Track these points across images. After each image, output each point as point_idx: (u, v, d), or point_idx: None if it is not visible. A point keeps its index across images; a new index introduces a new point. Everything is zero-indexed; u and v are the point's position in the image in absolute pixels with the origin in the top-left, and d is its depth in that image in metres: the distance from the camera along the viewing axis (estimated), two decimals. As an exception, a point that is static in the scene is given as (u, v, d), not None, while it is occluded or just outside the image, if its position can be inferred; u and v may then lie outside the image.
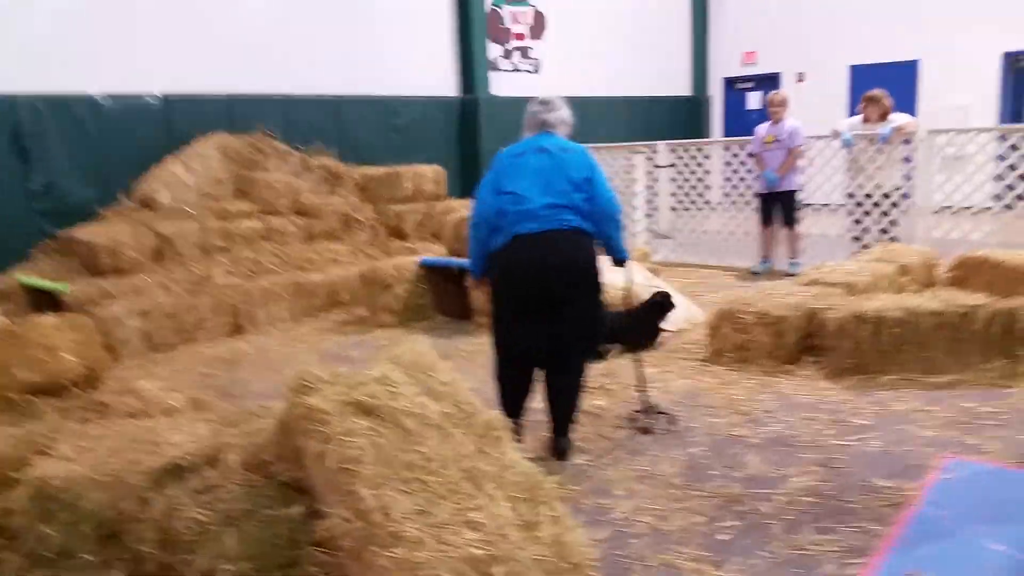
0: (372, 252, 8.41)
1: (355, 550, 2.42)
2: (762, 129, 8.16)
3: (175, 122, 8.15)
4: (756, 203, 8.44)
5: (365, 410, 2.65)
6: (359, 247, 8.43)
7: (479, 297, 6.45)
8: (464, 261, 6.52)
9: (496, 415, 2.90)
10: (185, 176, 7.69)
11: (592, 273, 3.67)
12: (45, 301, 6.34)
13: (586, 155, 3.77)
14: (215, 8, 8.49)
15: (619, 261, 3.93)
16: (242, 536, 2.49)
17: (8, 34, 7.04)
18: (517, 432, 3.60)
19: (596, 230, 3.71)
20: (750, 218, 8.79)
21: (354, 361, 5.64)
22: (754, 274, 8.12)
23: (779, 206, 8.11)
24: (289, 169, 8.63)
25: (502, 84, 11.63)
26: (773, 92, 8.24)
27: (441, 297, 6.96)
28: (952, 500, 3.16)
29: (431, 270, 6.90)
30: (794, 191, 8.07)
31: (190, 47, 8.26)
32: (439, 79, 10.96)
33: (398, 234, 8.83)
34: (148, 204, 7.46)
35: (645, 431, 4.04)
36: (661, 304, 5.31)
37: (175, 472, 2.86)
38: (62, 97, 7.39)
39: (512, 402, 3.85)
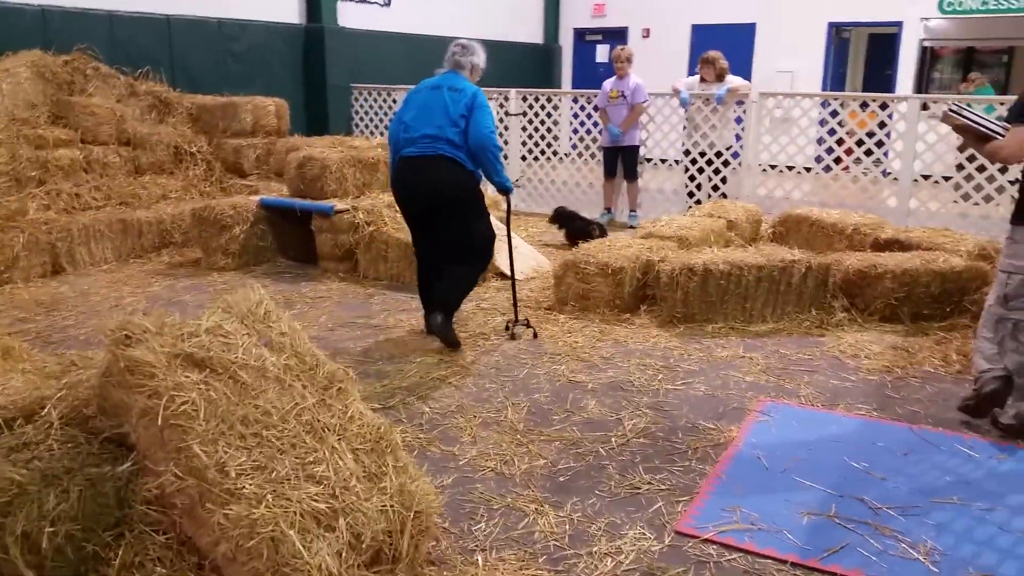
0: (207, 189, 7.94)
1: (188, 508, 2.33)
2: (608, 84, 8.35)
3: (-24, 34, 7.26)
4: (600, 156, 8.67)
5: (196, 363, 2.53)
6: (192, 183, 7.93)
7: (325, 241, 6.28)
8: (307, 203, 6.31)
9: (339, 366, 2.85)
10: (-9, 97, 6.87)
11: (458, 194, 4.36)
12: None
13: (471, 95, 4.35)
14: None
15: (502, 190, 4.61)
16: (64, 496, 2.33)
17: None
18: (429, 326, 4.58)
19: (472, 160, 4.34)
20: (595, 170, 9.03)
21: (187, 306, 5.36)
22: (599, 225, 8.38)
23: (621, 160, 8.38)
24: (113, 94, 7.91)
25: (350, 15, 11.16)
26: (619, 47, 8.42)
27: (284, 240, 6.71)
28: (768, 440, 3.46)
29: (273, 211, 6.62)
30: (636, 146, 8.36)
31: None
32: (281, 4, 10.35)
33: (236, 170, 8.37)
34: (-56, 126, 6.63)
35: (513, 337, 4.74)
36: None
37: (-16, 429, 2.63)
38: None
39: (425, 297, 4.71)
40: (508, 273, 6.05)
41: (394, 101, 10.63)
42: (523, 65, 14.15)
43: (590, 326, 4.96)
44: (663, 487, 3.05)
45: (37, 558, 2.24)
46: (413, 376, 4.17)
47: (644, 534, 2.73)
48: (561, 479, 3.11)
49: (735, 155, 8.26)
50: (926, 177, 7.80)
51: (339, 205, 6.21)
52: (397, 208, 5.77)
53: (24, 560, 2.22)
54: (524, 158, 9.44)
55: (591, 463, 3.24)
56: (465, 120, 4.28)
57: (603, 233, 7.03)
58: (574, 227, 7.26)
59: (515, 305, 4.91)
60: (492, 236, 4.69)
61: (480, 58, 4.65)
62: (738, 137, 8.27)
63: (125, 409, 2.48)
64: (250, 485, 2.28)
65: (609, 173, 8.52)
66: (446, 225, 4.41)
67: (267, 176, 8.33)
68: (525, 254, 6.45)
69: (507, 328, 4.85)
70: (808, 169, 8.25)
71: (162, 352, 2.46)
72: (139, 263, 6.64)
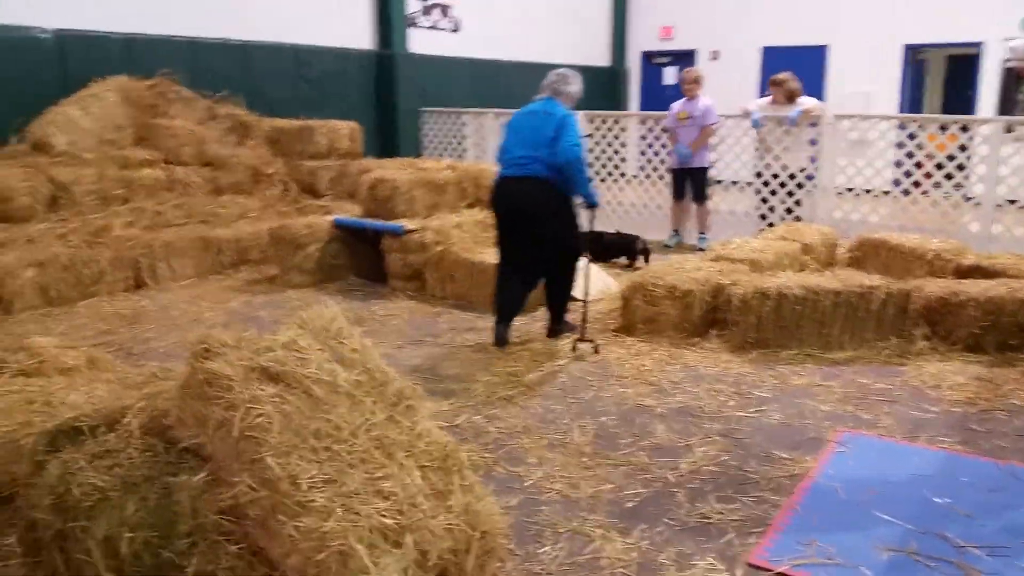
0: (283, 209, 8.16)
1: (261, 519, 2.37)
2: (676, 105, 8.30)
3: (70, 61, 7.65)
4: (669, 177, 8.60)
5: (271, 376, 2.58)
6: (269, 203, 8.16)
7: (395, 260, 6.37)
8: (378, 223, 6.43)
9: (408, 383, 2.87)
10: (82, 120, 7.22)
11: (549, 210, 4.75)
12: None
13: (561, 119, 4.70)
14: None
15: (589, 204, 4.94)
16: (143, 504, 2.39)
17: None
18: (497, 336, 4.94)
19: (560, 177, 4.67)
20: (663, 192, 8.95)
21: (263, 322, 5.49)
22: (665, 247, 8.30)
23: (690, 181, 8.29)
24: (195, 117, 8.23)
25: (419, 41, 11.38)
26: (687, 69, 8.37)
27: (356, 259, 6.84)
28: (846, 473, 3.34)
29: (346, 230, 6.76)
30: (705, 168, 8.26)
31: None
32: (354, 31, 10.62)
33: (311, 191, 8.58)
34: (42, 148, 6.98)
35: (575, 349, 4.85)
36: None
37: (71, 434, 2.73)
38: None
39: (499, 305, 4.99)
40: (573, 294, 6.04)
41: (462, 124, 10.77)
42: (590, 88, 14.03)
43: (658, 349, 4.89)
44: (735, 517, 2.96)
45: (116, 562, 2.30)
46: (479, 395, 4.17)
47: (715, 565, 2.66)
48: (629, 505, 3.06)
49: (809, 177, 8.08)
50: (1011, 202, 7.49)
51: (409, 225, 6.30)
52: (464, 228, 6.09)
53: (104, 564, 2.28)
54: (590, 180, 9.39)
55: (659, 490, 3.17)
56: (554, 141, 4.63)
57: (645, 247, 7.16)
58: (603, 244, 7.27)
59: (584, 322, 4.97)
60: (581, 248, 5.05)
61: (576, 86, 5.03)
62: (812, 159, 8.10)
63: (202, 420, 2.54)
64: (321, 498, 2.30)
65: (677, 195, 8.43)
66: (540, 238, 4.81)
67: (340, 197, 8.51)
68: (592, 276, 6.40)
69: (573, 349, 4.88)
70: (886, 192, 8.02)
71: (239, 366, 2.51)
72: (218, 279, 6.85)
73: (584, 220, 5.05)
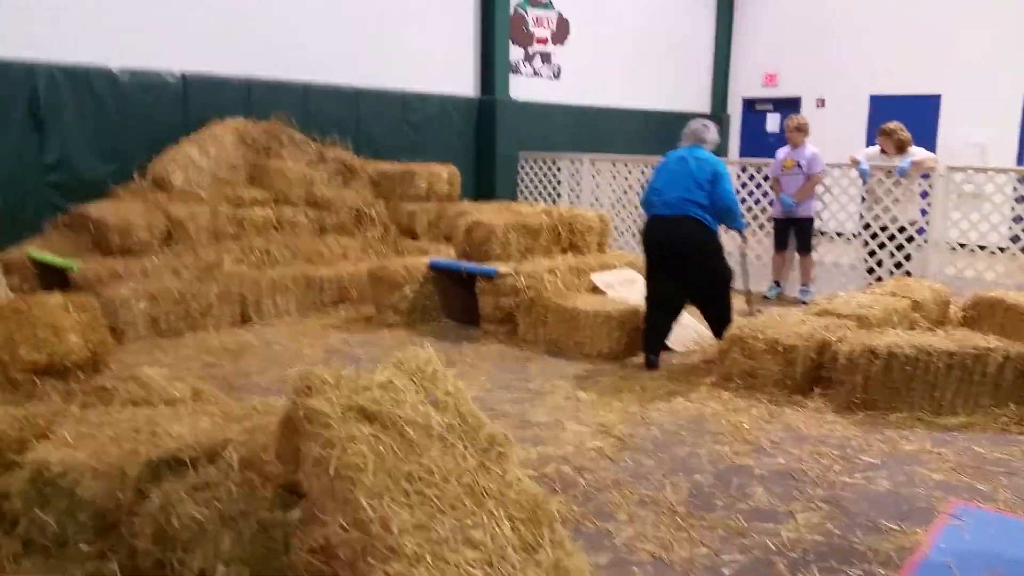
0: (382, 250, 8.37)
1: (351, 561, 2.37)
2: (782, 153, 8.12)
3: (192, 102, 8.12)
4: (770, 227, 8.39)
5: (368, 416, 2.60)
6: (370, 243, 8.39)
7: (487, 303, 6.42)
8: (473, 265, 6.50)
9: (500, 430, 2.84)
10: (200, 159, 7.65)
11: (699, 246, 5.29)
12: (54, 276, 6.32)
13: (713, 164, 5.33)
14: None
15: (738, 230, 5.73)
16: (238, 538, 2.44)
17: (27, 1, 6.99)
18: (649, 364, 5.43)
19: (716, 217, 5.30)
20: (763, 241, 8.73)
21: (359, 360, 5.59)
22: (765, 298, 8.06)
23: (794, 232, 8.06)
24: (304, 159, 8.60)
25: (521, 88, 11.60)
26: (793, 116, 8.19)
27: (449, 300, 6.92)
28: (960, 548, 3.10)
29: (440, 272, 6.86)
30: (811, 218, 8.02)
31: (210, 27, 8.22)
32: (458, 78, 10.92)
33: (409, 233, 8.78)
34: (161, 185, 7.42)
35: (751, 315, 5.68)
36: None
37: (174, 466, 2.82)
38: (80, 68, 7.35)
39: (650, 338, 5.49)
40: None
41: (558, 169, 10.85)
42: (689, 135, 14.07)
43: (757, 406, 4.71)
44: (839, 590, 2.79)
45: (211, 595, 2.34)
46: (568, 445, 4.11)
47: (817, 641, 2.49)
48: (725, 571, 2.92)
49: (920, 231, 7.73)
50: None
51: (502, 268, 6.34)
52: (557, 273, 6.10)
53: (199, 596, 2.33)
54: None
55: (758, 557, 3.02)
56: (711, 185, 5.22)
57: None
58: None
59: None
60: (731, 274, 5.55)
61: (714, 134, 5.62)
62: (924, 212, 7.75)
63: (300, 457, 2.58)
64: (411, 543, 2.29)
65: (780, 245, 8.20)
66: (697, 270, 5.36)
67: (437, 239, 8.68)
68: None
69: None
70: (1003, 249, 7.57)
71: (338, 404, 2.54)
72: (318, 316, 7.05)
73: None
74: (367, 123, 9.71)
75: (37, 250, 6.53)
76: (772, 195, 8.26)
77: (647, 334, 5.53)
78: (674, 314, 5.53)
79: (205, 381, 4.31)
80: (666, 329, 5.53)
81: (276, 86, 8.78)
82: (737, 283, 5.79)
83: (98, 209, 6.85)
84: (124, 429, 3.06)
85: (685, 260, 5.30)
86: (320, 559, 2.45)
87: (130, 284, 6.20)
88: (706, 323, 5.77)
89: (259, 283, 6.84)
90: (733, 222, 5.45)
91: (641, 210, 5.81)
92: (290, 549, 2.49)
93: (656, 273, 5.44)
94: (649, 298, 5.52)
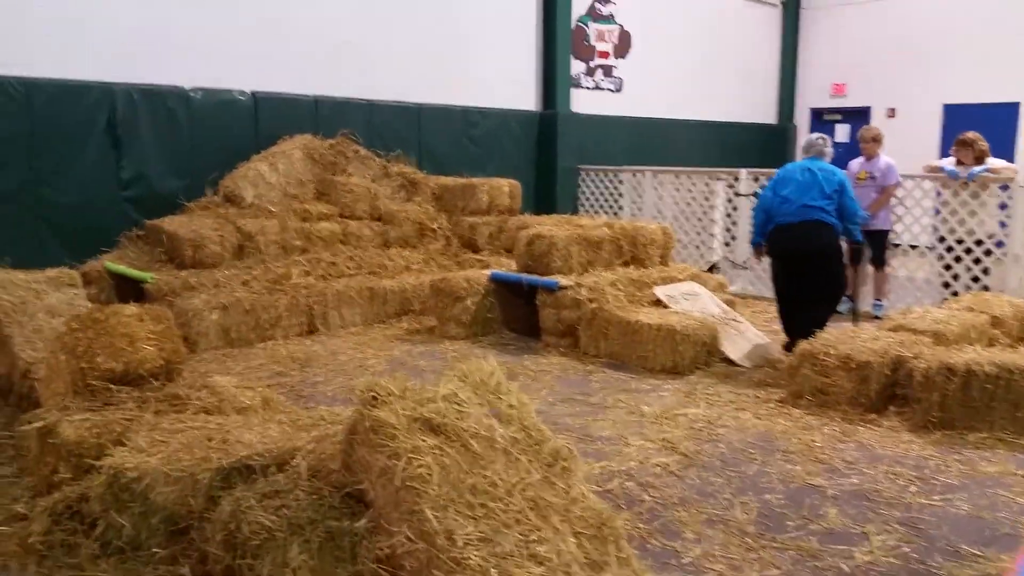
0: (444, 262, 8.44)
1: (416, 572, 2.37)
2: (855, 164, 7.89)
3: (263, 120, 8.34)
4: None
5: (433, 428, 2.61)
6: (432, 256, 8.47)
7: (548, 316, 6.40)
8: (534, 278, 6.50)
9: (564, 444, 2.82)
10: (270, 175, 7.85)
11: (826, 251, 5.68)
12: (129, 288, 6.55)
13: (840, 175, 5.78)
14: (304, 10, 8.66)
15: (855, 243, 6.15)
16: (306, 546, 2.46)
17: (107, 25, 7.29)
18: (789, 347, 5.76)
19: (840, 225, 5.72)
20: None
21: (422, 371, 5.63)
22: (837, 313, 7.83)
23: (868, 245, 7.79)
24: (369, 174, 8.75)
25: (582, 101, 11.59)
26: (867, 127, 7.96)
27: (510, 313, 6.92)
28: (1049, 578, 2.94)
29: (501, 285, 6.87)
30: (886, 231, 7.75)
31: (279, 48, 8.45)
32: (520, 93, 10.97)
33: (471, 246, 8.84)
34: (233, 200, 7.64)
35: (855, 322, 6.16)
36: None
37: (244, 473, 2.88)
38: (156, 88, 7.62)
39: (787, 325, 6.03)
40: (733, 359, 5.82)
41: (620, 182, 10.78)
42: (754, 145, 13.86)
43: (829, 424, 4.57)
44: (919, 617, 2.67)
45: (279, 603, 2.37)
46: (632, 460, 4.05)
47: (897, 671, 2.39)
48: (796, 592, 2.83)
49: (999, 244, 7.42)
50: None
51: (563, 281, 6.32)
52: (619, 286, 6.06)
53: (268, 603, 2.36)
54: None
55: (831, 579, 2.92)
56: (838, 194, 5.67)
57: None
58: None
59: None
60: (845, 287, 5.98)
61: (831, 148, 6.06)
62: (1002, 224, 7.44)
63: (366, 467, 2.60)
64: (475, 556, 2.28)
65: (853, 259, 7.93)
66: (817, 272, 5.68)
67: (498, 252, 8.71)
68: (754, 340, 6.15)
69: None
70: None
71: (403, 415, 2.56)
72: (381, 328, 7.14)
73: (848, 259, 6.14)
74: (430, 138, 9.83)
75: (114, 263, 6.79)
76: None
77: (786, 324, 6.07)
78: (800, 310, 5.89)
79: (274, 390, 4.39)
80: (806, 326, 5.66)
81: (342, 103, 8.96)
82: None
83: (172, 223, 7.10)
84: (196, 436, 3.14)
85: (811, 263, 5.67)
86: (386, 569, 2.46)
87: (202, 295, 6.39)
88: (797, 326, 5.84)
89: (325, 295, 6.97)
90: (854, 230, 5.85)
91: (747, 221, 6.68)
92: (356, 558, 2.51)
93: (783, 276, 5.92)
94: (780, 303, 6.07)
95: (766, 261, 8.98)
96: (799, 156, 6.35)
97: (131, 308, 3.85)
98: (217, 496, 2.78)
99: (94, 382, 3.50)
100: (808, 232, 5.66)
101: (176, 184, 7.76)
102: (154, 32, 7.59)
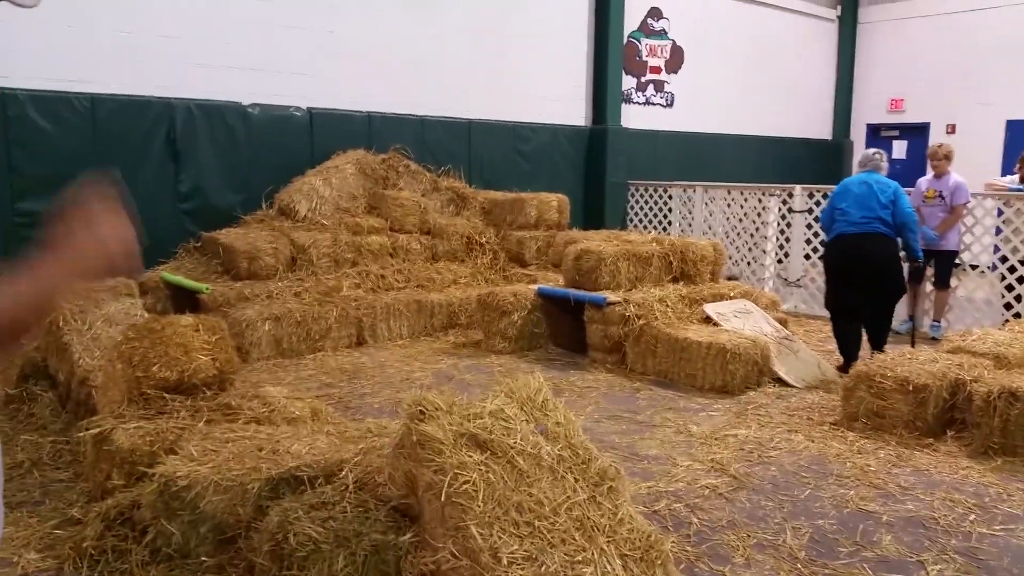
0: (491, 276, 8.46)
1: (461, 589, 2.36)
2: (923, 183, 7.67)
3: (317, 135, 8.50)
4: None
5: (479, 444, 2.60)
6: (479, 270, 8.50)
7: (595, 332, 6.36)
8: (581, 293, 6.46)
9: (612, 463, 2.79)
10: (323, 189, 7.99)
11: (886, 260, 5.82)
12: (185, 298, 6.70)
13: (893, 185, 5.90)
14: (359, 28, 8.81)
15: (914, 260, 6.09)
16: (352, 559, 2.47)
17: (167, 42, 7.52)
18: (844, 368, 5.82)
19: (897, 235, 5.84)
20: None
21: (468, 385, 5.64)
22: (896, 334, 7.64)
23: (933, 264, 7.57)
24: (419, 188, 8.84)
25: (633, 116, 11.54)
26: (938, 144, 7.72)
27: (557, 328, 6.90)
28: (1121, 617, 2.80)
29: (548, 299, 6.86)
30: (953, 251, 7.50)
31: (334, 64, 8.61)
32: (570, 108, 10.98)
33: (518, 260, 8.85)
34: (287, 213, 7.79)
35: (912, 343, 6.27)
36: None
37: (293, 484, 2.91)
38: (214, 103, 7.83)
39: (843, 346, 6.09)
40: (786, 379, 5.70)
41: (669, 197, 10.70)
42: (808, 161, 13.64)
43: (884, 448, 4.44)
44: (980, 654, 2.56)
45: (324, 615, 2.38)
46: (680, 481, 3.98)
47: None
48: (850, 622, 2.74)
49: (1066, 265, 7.15)
50: None
51: (611, 297, 6.27)
52: (668, 303, 5.98)
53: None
54: (808, 256, 8.96)
55: (886, 609, 2.83)
56: (892, 203, 5.79)
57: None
58: None
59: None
60: (904, 290, 6.06)
61: (886, 163, 6.21)
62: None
63: (412, 481, 2.61)
64: (520, 575, 2.26)
65: (915, 278, 7.70)
66: (880, 281, 5.83)
67: (545, 266, 8.70)
68: (808, 361, 6.02)
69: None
70: None
71: (450, 430, 2.56)
72: (428, 341, 7.18)
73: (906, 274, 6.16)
74: (479, 153, 9.89)
75: (171, 273, 6.96)
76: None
77: (840, 343, 6.14)
78: (858, 321, 6.01)
79: (322, 401, 4.43)
80: (857, 335, 6.01)
81: (394, 119, 9.08)
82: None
83: (228, 236, 7.26)
84: (247, 446, 3.19)
85: (872, 272, 5.80)
86: (430, 585, 2.46)
87: (256, 306, 6.51)
88: (867, 333, 6.07)
89: (374, 307, 7.04)
90: (912, 242, 5.93)
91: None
92: (401, 573, 2.51)
93: (839, 286, 5.99)
94: (833, 309, 6.11)
95: (819, 280, 8.86)
96: (855, 171, 6.36)
97: (187, 318, 3.94)
98: (265, 506, 2.82)
99: (149, 391, 3.58)
100: (866, 242, 5.79)
101: (233, 197, 7.95)
102: (213, 49, 7.80)
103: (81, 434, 3.50)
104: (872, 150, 6.29)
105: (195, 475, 2.93)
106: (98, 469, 3.37)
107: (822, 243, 8.77)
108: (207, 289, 6.57)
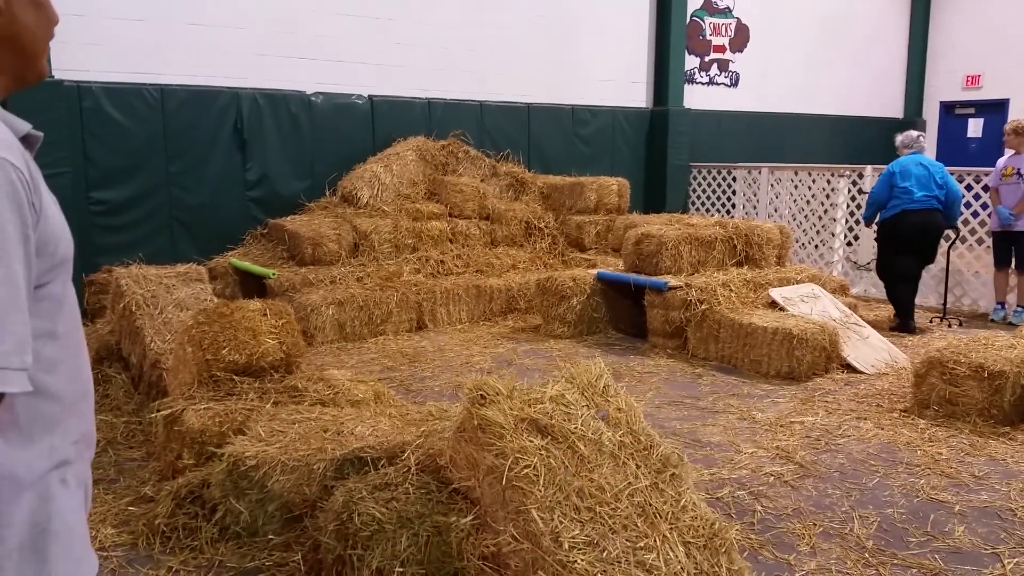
0: (550, 261, 8.45)
1: (521, 572, 2.38)
2: (1002, 161, 7.33)
3: (379, 122, 8.59)
4: (989, 242, 7.64)
5: (540, 429, 2.60)
6: (538, 255, 8.49)
7: (656, 317, 6.29)
8: (642, 278, 6.40)
9: (674, 450, 2.76)
10: (384, 176, 8.07)
11: (941, 231, 6.72)
12: (253, 283, 6.88)
13: (941, 168, 6.74)
14: (419, 15, 8.84)
15: (952, 226, 6.88)
16: (415, 539, 2.51)
17: (234, 33, 7.70)
18: (911, 328, 6.85)
19: (949, 212, 6.68)
20: (981, 257, 7.95)
21: (527, 370, 5.65)
22: (991, 321, 7.35)
23: (1014, 247, 7.24)
24: (478, 174, 8.86)
25: (696, 97, 11.33)
26: (1015, 120, 7.37)
27: (616, 312, 6.85)
28: None
29: (608, 284, 6.81)
30: None
31: (395, 52, 8.68)
32: (631, 90, 10.83)
33: (577, 245, 8.81)
34: (349, 200, 7.91)
35: (949, 325, 7.13)
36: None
37: (357, 464, 2.96)
38: (279, 92, 7.97)
39: (905, 306, 6.90)
40: (855, 365, 5.55)
41: (733, 179, 10.48)
42: (879, 141, 13.16)
43: (957, 436, 4.29)
44: (1061, 651, 2.47)
45: (386, 594, 2.42)
46: (744, 468, 3.92)
47: None
48: (921, 615, 2.67)
49: None
50: None
51: (673, 282, 6.19)
52: (732, 287, 5.86)
53: (376, 594, 2.41)
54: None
55: (960, 603, 2.74)
56: (945, 183, 6.62)
57: None
58: None
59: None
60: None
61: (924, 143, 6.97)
62: None
63: (473, 464, 2.62)
64: (582, 560, 2.26)
65: (1001, 262, 7.38)
66: (932, 250, 6.75)
67: (604, 251, 8.64)
68: (877, 346, 5.85)
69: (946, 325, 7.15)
70: None
71: (511, 415, 2.56)
72: (487, 325, 7.22)
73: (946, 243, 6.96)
74: (538, 137, 9.85)
75: (239, 259, 7.14)
76: (990, 207, 7.50)
77: (902, 303, 6.87)
78: (914, 283, 6.86)
79: (384, 384, 4.50)
80: (914, 294, 6.88)
81: (453, 105, 9.11)
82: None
83: (293, 222, 7.41)
84: (312, 428, 3.26)
85: (931, 243, 6.69)
86: (491, 567, 2.48)
87: (320, 291, 6.64)
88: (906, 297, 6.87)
89: (434, 292, 7.10)
90: (956, 216, 6.74)
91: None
92: (462, 554, 2.54)
93: (898, 254, 6.73)
94: (891, 274, 6.85)
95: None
96: (901, 153, 6.88)
97: (254, 303, 4.03)
98: (331, 486, 2.88)
99: (218, 373, 3.68)
100: (932, 217, 6.61)
101: (297, 185, 8.10)
102: (279, 39, 7.95)
103: (153, 415, 3.63)
104: (915, 132, 6.93)
105: (263, 455, 3.01)
106: (169, 449, 3.49)
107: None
108: (273, 274, 6.73)
